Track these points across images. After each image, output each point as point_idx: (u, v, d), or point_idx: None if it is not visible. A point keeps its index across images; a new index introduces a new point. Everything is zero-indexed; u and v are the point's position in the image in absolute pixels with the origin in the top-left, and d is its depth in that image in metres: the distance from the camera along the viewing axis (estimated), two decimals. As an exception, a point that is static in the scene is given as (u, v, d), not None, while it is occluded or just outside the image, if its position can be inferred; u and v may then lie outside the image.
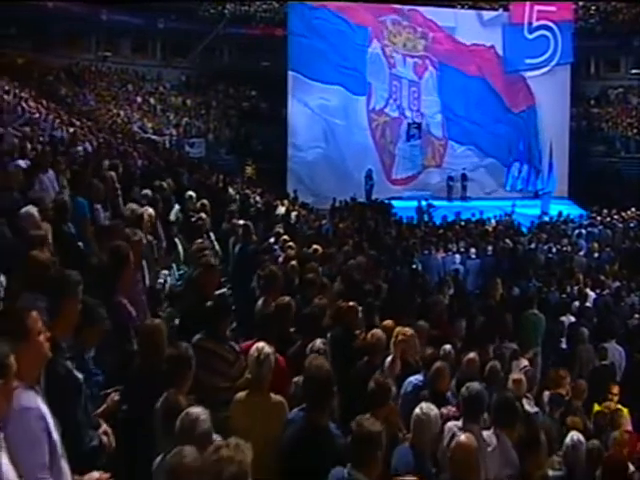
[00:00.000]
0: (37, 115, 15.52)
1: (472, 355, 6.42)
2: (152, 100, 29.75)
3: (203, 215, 9.00)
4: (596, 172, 28.58)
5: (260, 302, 6.18)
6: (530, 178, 29.04)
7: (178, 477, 2.38)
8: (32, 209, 5.22)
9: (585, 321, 10.83)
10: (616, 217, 20.14)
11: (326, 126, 27.81)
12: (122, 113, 27.07)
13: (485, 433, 4.68)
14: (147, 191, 8.76)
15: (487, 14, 29.88)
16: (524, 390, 5.95)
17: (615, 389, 7.65)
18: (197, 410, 3.00)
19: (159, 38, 31.93)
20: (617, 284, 12.93)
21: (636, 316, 11.17)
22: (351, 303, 6.18)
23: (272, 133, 28.89)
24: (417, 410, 3.97)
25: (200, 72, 32.38)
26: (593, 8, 33.50)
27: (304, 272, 7.57)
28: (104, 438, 3.29)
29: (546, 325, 11.00)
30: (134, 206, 6.92)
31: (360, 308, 6.38)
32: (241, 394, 4.00)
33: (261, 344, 4.07)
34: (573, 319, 10.95)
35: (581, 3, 33.04)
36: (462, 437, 3.68)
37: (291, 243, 9.70)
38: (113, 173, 9.07)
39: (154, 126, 27.27)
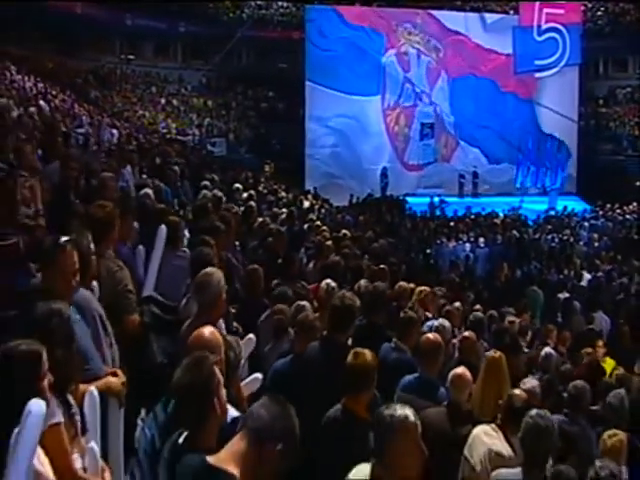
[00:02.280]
0: (84, 117, 17.57)
1: (477, 306, 8.50)
2: (175, 101, 31.92)
3: (252, 203, 11.06)
4: (603, 169, 30.30)
5: (311, 265, 8.25)
6: (539, 175, 31.05)
7: (305, 324, 4.39)
8: (149, 190, 7.27)
9: (578, 296, 12.89)
10: (618, 211, 22.15)
11: (341, 128, 29.87)
12: (147, 114, 29.21)
13: (487, 353, 6.72)
14: (206, 182, 10.82)
15: (490, 18, 31.66)
16: (516, 329, 7.96)
17: (600, 342, 9.59)
18: (303, 302, 5.04)
19: (180, 41, 34.13)
20: (609, 267, 14.98)
21: (622, 293, 13.16)
22: (382, 266, 8.23)
23: (289, 133, 30.91)
24: (436, 323, 5.98)
25: (220, 74, 34.50)
26: (602, 9, 35.39)
27: (338, 249, 9.62)
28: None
29: (545, 301, 13.12)
30: (209, 192, 8.97)
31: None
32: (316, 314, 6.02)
33: (328, 280, 6.09)
34: (568, 295, 13.03)
35: (590, 4, 34.94)
36: (466, 333, 5.71)
37: (324, 227, 11.77)
38: (177, 167, 11.16)
39: (178, 126, 29.39)
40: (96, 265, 3.87)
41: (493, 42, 31.04)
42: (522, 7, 32.09)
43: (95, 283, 3.91)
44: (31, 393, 2.40)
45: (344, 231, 11.86)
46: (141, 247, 5.20)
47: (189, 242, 6.13)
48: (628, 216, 21.10)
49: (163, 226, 4.93)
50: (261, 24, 33.99)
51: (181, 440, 2.51)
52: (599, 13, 35.24)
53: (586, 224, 20.61)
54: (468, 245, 17.51)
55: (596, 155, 31.98)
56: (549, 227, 19.75)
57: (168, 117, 30.32)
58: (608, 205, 22.93)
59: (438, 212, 24.30)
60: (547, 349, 6.72)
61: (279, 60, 33.74)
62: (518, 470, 3.42)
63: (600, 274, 14.49)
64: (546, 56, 31.55)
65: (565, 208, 23.64)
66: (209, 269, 3.89)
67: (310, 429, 3.61)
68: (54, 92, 19.03)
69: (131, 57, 33.29)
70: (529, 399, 4.14)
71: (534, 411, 3.47)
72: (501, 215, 21.97)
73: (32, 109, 12.02)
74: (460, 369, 4.25)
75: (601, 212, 22.46)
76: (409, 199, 26.84)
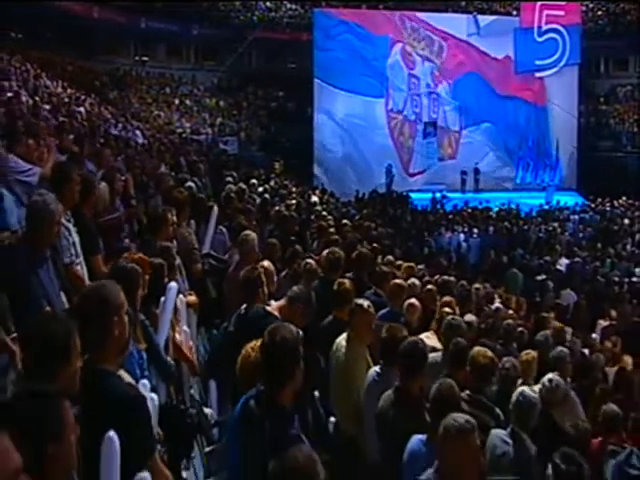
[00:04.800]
0: (113, 121, 19.89)
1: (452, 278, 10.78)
2: (188, 102, 34.34)
3: (267, 195, 13.41)
4: (603, 165, 32.33)
5: (315, 244, 10.56)
6: (538, 172, 33.28)
7: (311, 270, 6.70)
8: (192, 184, 9.61)
9: (553, 278, 15.20)
10: (608, 205, 24.41)
11: (348, 127, 32.25)
12: (162, 114, 31.60)
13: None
14: (229, 178, 13.16)
15: (483, 21, 33.72)
16: (482, 294, 10.25)
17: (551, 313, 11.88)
18: (309, 260, 7.34)
19: (192, 43, 36.62)
20: (586, 254, 17.30)
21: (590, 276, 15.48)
22: (375, 244, 10.56)
23: (299, 131, 33.22)
24: (409, 281, 8.25)
25: (231, 75, 36.95)
26: (602, 9, 37.58)
27: (339, 233, 11.93)
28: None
29: (525, 282, 15.43)
30: (234, 186, 11.30)
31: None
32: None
33: (327, 250, 8.38)
34: (545, 277, 15.34)
35: (591, 5, 37.15)
36: (429, 286, 7.99)
37: (329, 217, 14.08)
38: (202, 165, 13.52)
39: (191, 126, 31.76)
40: (174, 230, 6.20)
41: (490, 44, 33.21)
42: (523, 9, 34.34)
43: (175, 242, 6.25)
44: (161, 284, 4.71)
45: (345, 220, 14.15)
46: (193, 222, 7.54)
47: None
48: (616, 210, 23.35)
49: (216, 207, 7.30)
50: (271, 26, 36.41)
51: (242, 311, 4.84)
52: (600, 13, 37.45)
53: (576, 217, 22.88)
54: (462, 235, 19.79)
55: (596, 152, 34.03)
56: (539, 219, 22.06)
57: (182, 117, 32.71)
58: (599, 199, 25.19)
59: (439, 207, 26.54)
60: (497, 304, 9.00)
61: (288, 61, 36.22)
62: (440, 353, 5.70)
63: (577, 259, 16.76)
64: (546, 56, 33.75)
65: (558, 202, 25.95)
66: (247, 231, 6.22)
67: (314, 330, 5.92)
68: (82, 96, 21.34)
69: (145, 59, 35.79)
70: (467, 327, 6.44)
71: (450, 316, 5.76)
72: (495, 209, 24.23)
73: (77, 115, 14.39)
74: (412, 299, 6.56)
75: (592, 205, 24.74)
76: (413, 195, 29.12)
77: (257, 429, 3.01)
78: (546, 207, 26.01)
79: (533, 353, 7.03)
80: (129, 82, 33.70)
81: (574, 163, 33.79)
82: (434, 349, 6.05)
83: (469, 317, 7.09)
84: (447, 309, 6.39)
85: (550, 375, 5.46)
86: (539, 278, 15.26)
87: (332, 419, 5.40)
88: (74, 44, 32.91)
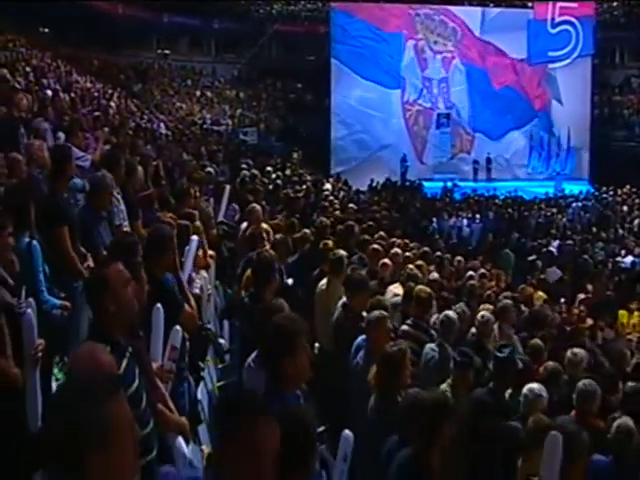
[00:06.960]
0: (138, 114, 21.85)
1: (438, 253, 12.60)
2: (209, 93, 36.37)
3: (279, 181, 15.30)
4: (616, 155, 33.52)
5: (318, 221, 12.41)
6: (550, 161, 34.75)
7: (305, 237, 8.54)
8: (211, 169, 11.51)
9: (543, 257, 16.94)
10: (611, 193, 25.94)
11: (364, 116, 33.90)
12: (184, 106, 33.60)
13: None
14: (244, 165, 15.06)
15: (489, 14, 35.18)
16: (463, 266, 12.04)
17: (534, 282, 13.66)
18: (306, 230, 9.19)
19: (213, 37, 38.65)
20: (579, 237, 19.03)
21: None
22: (370, 222, 12.40)
23: (316, 122, 34.99)
24: (392, 250, 10.06)
25: (250, 67, 38.91)
26: (617, 0, 38.89)
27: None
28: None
29: (518, 262, 17.19)
30: (247, 172, 13.20)
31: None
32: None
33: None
34: (535, 257, 17.09)
35: (605, -3, 38.54)
36: (407, 253, 9.80)
37: (336, 201, 15.92)
38: (220, 154, 15.44)
39: (212, 117, 33.71)
40: (195, 202, 8.09)
41: (494, 40, 34.70)
42: (536, 4, 35.79)
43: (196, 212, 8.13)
44: (187, 239, 6.58)
45: (350, 205, 15.99)
46: (211, 199, 9.45)
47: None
48: (617, 197, 24.93)
49: (228, 186, 9.20)
50: (289, 19, 38.32)
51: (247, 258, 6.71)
52: (615, 4, 38.74)
53: (578, 204, 24.48)
54: (465, 220, 21.52)
55: (609, 142, 35.29)
56: (542, 206, 23.74)
57: (203, 108, 34.70)
58: (604, 188, 26.75)
59: (449, 195, 28.22)
60: (470, 272, 10.79)
61: (306, 53, 38.03)
62: (399, 298, 7.53)
63: (569, 242, 18.48)
64: (559, 48, 35.16)
65: (563, 190, 27.56)
66: (253, 204, 8.10)
67: (307, 285, 7.78)
68: (110, 90, 23.31)
69: (167, 52, 37.90)
70: (432, 284, 8.28)
71: (408, 269, 7.59)
72: (502, 197, 25.88)
73: (110, 110, 16.35)
74: (385, 259, 8.39)
75: (596, 193, 26.33)
76: (425, 184, 30.73)
77: (248, 315, 4.88)
78: (551, 195, 27.60)
79: (489, 306, 8.83)
80: (152, 75, 35.75)
81: (586, 153, 35.10)
82: (397, 294, 7.90)
83: (433, 275, 8.90)
84: (411, 266, 8.21)
85: (483, 312, 7.24)
86: (530, 258, 17.01)
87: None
88: (100, 39, 34.78)
